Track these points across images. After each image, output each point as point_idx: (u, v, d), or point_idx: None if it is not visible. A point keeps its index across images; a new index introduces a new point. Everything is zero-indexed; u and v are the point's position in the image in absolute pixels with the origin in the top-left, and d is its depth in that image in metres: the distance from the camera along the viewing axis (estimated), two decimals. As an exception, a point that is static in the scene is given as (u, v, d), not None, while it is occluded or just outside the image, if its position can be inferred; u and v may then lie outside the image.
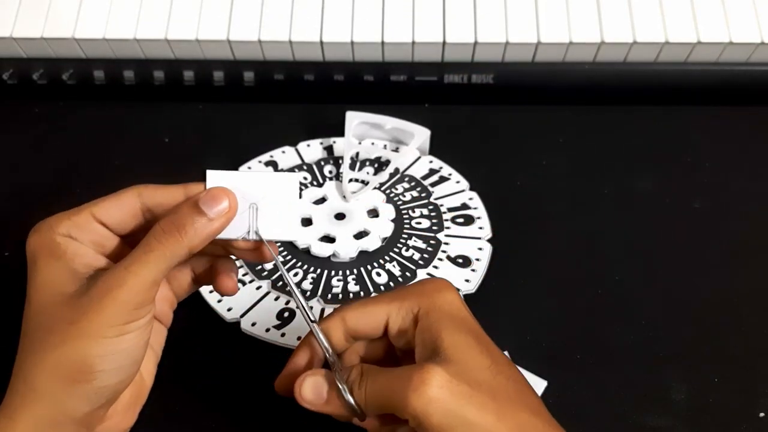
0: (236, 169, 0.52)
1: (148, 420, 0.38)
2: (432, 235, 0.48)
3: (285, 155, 0.53)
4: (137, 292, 0.31)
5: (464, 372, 0.31)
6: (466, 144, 0.55)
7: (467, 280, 0.45)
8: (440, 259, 0.46)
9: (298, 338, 0.42)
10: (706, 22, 0.55)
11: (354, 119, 0.53)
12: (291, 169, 0.52)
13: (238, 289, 0.37)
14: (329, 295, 0.44)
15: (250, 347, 0.43)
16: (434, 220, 0.49)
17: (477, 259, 0.46)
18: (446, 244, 0.47)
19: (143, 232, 0.34)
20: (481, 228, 0.48)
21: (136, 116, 0.58)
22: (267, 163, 0.53)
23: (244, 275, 0.46)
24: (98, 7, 0.56)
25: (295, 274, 0.45)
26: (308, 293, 0.44)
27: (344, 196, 0.49)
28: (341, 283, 0.45)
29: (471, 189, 0.51)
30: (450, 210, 0.50)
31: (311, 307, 0.44)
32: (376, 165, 0.53)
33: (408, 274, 0.46)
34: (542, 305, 0.45)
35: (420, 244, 0.47)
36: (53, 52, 0.57)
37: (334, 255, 0.46)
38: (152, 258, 0.31)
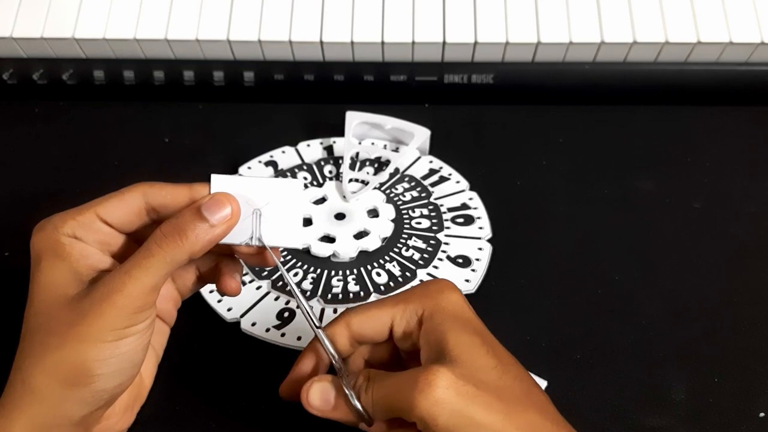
0: (236, 170, 0.52)
1: (147, 420, 0.38)
2: (432, 235, 0.48)
3: (285, 155, 0.53)
4: (137, 296, 0.31)
5: (470, 372, 0.31)
6: (467, 144, 0.55)
7: (467, 280, 0.45)
8: (440, 259, 0.46)
9: (298, 338, 0.42)
10: (706, 22, 0.55)
11: (354, 119, 0.53)
12: (291, 169, 0.52)
13: (241, 290, 0.37)
14: (329, 295, 0.44)
15: (250, 347, 0.43)
16: (434, 220, 0.49)
17: (477, 259, 0.46)
18: (446, 244, 0.47)
19: (148, 230, 0.34)
20: (481, 228, 0.48)
21: (136, 116, 0.58)
22: (267, 163, 0.53)
23: (244, 275, 0.46)
24: (98, 7, 0.56)
25: (295, 274, 0.45)
26: (308, 293, 0.44)
27: (344, 196, 0.49)
28: (341, 283, 0.45)
29: (471, 189, 0.51)
30: (450, 210, 0.50)
31: (312, 308, 0.44)
32: (376, 165, 0.53)
33: (408, 274, 0.46)
34: (542, 305, 0.45)
35: (420, 244, 0.47)
36: (53, 52, 0.57)
37: (334, 255, 0.46)
38: (153, 263, 0.31)
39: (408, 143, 0.53)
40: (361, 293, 0.45)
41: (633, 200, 0.51)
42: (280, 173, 0.52)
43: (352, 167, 0.52)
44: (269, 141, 0.54)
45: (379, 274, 0.46)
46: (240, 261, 0.37)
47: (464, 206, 0.50)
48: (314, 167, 0.52)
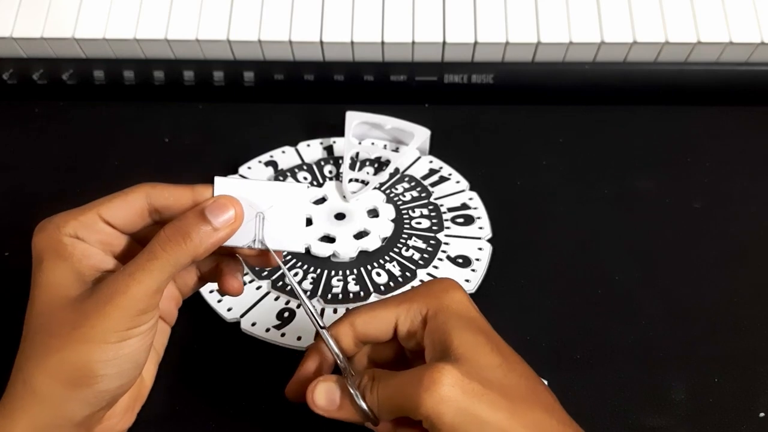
0: (236, 170, 0.52)
1: (147, 420, 0.38)
2: (432, 235, 0.48)
3: (285, 155, 0.53)
4: (140, 299, 0.31)
5: (475, 370, 0.31)
6: (466, 144, 0.55)
7: (467, 280, 0.45)
8: (440, 259, 0.46)
9: (298, 338, 0.42)
10: (706, 22, 0.55)
11: (354, 119, 0.53)
12: (291, 169, 0.52)
13: (244, 289, 0.37)
14: (329, 295, 0.44)
15: (250, 347, 0.43)
16: (434, 220, 0.49)
17: (477, 259, 0.46)
18: (446, 244, 0.47)
19: (150, 231, 0.34)
20: (481, 228, 0.48)
21: (136, 116, 0.58)
22: (267, 163, 0.53)
23: (244, 275, 0.46)
24: (98, 7, 0.56)
25: (295, 274, 0.45)
26: (308, 293, 0.44)
27: (344, 196, 0.49)
28: (341, 283, 0.45)
29: (471, 189, 0.51)
30: (450, 210, 0.50)
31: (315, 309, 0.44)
32: (376, 165, 0.53)
33: (408, 274, 0.46)
34: (542, 305, 0.45)
35: (420, 244, 0.47)
36: (53, 52, 0.57)
37: (334, 255, 0.46)
38: (156, 266, 0.31)
39: (408, 143, 0.53)
40: (361, 293, 0.45)
41: (633, 200, 0.51)
42: (280, 173, 0.52)
43: (352, 167, 0.52)
44: (269, 141, 0.54)
45: (379, 274, 0.46)
46: (241, 261, 0.37)
47: (464, 206, 0.50)
48: (314, 167, 0.52)
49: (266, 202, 0.35)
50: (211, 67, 0.57)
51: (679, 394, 0.41)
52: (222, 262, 0.37)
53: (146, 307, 0.31)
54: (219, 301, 0.44)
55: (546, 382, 0.40)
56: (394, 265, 0.46)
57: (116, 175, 0.53)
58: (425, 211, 0.49)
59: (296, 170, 0.52)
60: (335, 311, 0.44)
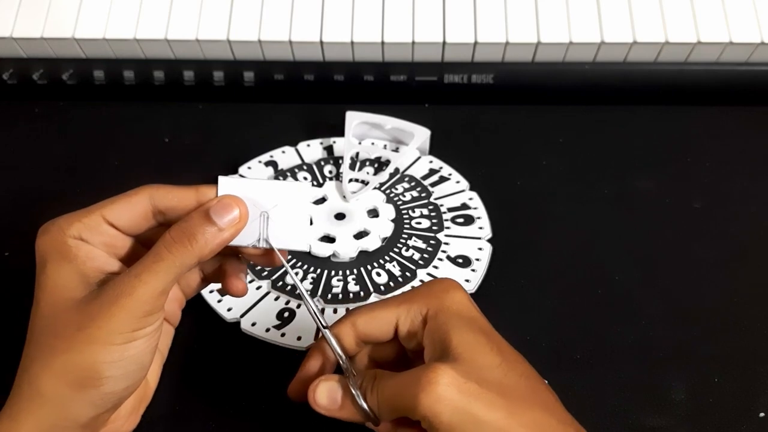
0: (236, 170, 0.52)
1: (147, 420, 0.38)
2: (432, 235, 0.48)
3: (285, 155, 0.53)
4: (146, 300, 0.31)
5: (473, 370, 0.31)
6: (466, 144, 0.55)
7: (467, 280, 0.45)
8: (440, 259, 0.46)
9: (298, 338, 0.42)
10: (706, 22, 0.55)
11: (354, 119, 0.53)
12: (291, 169, 0.52)
13: (248, 290, 0.38)
14: (329, 295, 0.44)
15: (250, 347, 0.43)
16: (434, 220, 0.49)
17: (477, 259, 0.46)
18: (446, 244, 0.47)
19: (154, 232, 0.34)
20: (481, 228, 0.48)
21: (136, 116, 0.58)
22: (267, 163, 0.53)
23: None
24: (98, 7, 0.56)
25: (295, 274, 0.45)
26: (308, 293, 0.44)
27: (344, 196, 0.49)
28: (341, 283, 0.45)
29: (471, 189, 0.51)
30: (450, 210, 0.50)
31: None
32: (376, 165, 0.53)
33: (408, 274, 0.46)
34: (542, 305, 0.45)
35: (420, 244, 0.47)
36: (53, 52, 0.57)
37: (334, 255, 0.46)
38: (162, 267, 0.31)
39: (408, 143, 0.53)
40: (361, 293, 0.45)
41: (633, 200, 0.51)
42: (280, 173, 0.52)
43: (352, 167, 0.52)
44: (269, 141, 0.54)
45: (379, 274, 0.46)
46: (244, 261, 0.37)
47: (464, 206, 0.50)
48: (314, 167, 0.52)
49: (270, 202, 0.35)
50: (211, 67, 0.57)
51: (679, 394, 0.41)
52: (225, 263, 0.37)
53: (152, 309, 0.32)
54: (219, 301, 0.44)
55: (546, 382, 0.40)
56: (394, 265, 0.46)
57: (116, 175, 0.53)
58: (425, 211, 0.49)
59: (296, 170, 0.52)
60: (335, 311, 0.44)
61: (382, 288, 0.45)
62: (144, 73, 0.57)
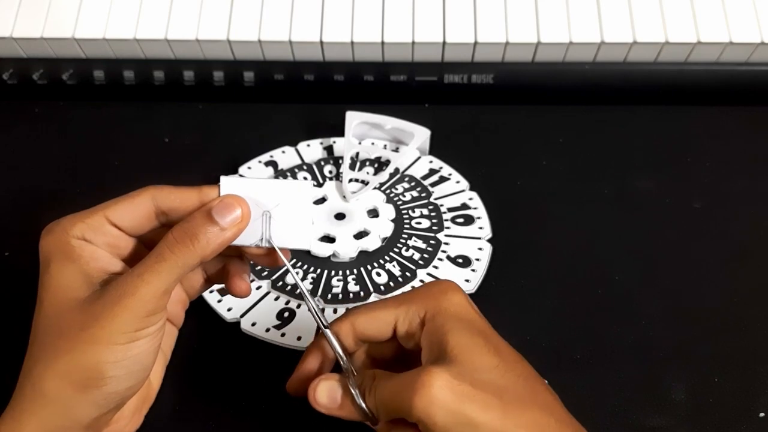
0: (236, 170, 0.52)
1: (147, 420, 0.38)
2: (432, 235, 0.48)
3: (285, 155, 0.53)
4: (149, 300, 0.31)
5: (468, 372, 0.31)
6: (466, 144, 0.55)
7: (467, 280, 0.45)
8: (440, 259, 0.46)
9: (298, 338, 0.42)
10: (706, 22, 0.55)
11: (354, 119, 0.53)
12: (291, 169, 0.52)
13: (251, 291, 0.38)
14: (329, 295, 0.44)
15: (250, 347, 0.43)
16: (434, 220, 0.49)
17: (477, 259, 0.46)
18: (446, 244, 0.47)
19: (156, 233, 0.34)
20: (481, 228, 0.48)
21: (136, 116, 0.58)
22: (267, 163, 0.53)
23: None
24: (98, 7, 0.56)
25: (296, 274, 0.45)
26: (309, 293, 0.44)
27: (344, 196, 0.49)
28: (341, 283, 0.45)
29: (471, 189, 0.51)
30: (450, 210, 0.50)
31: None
32: (376, 165, 0.53)
33: (408, 274, 0.46)
34: (542, 305, 0.45)
35: (420, 244, 0.47)
36: (53, 52, 0.57)
37: (334, 255, 0.46)
38: (164, 267, 0.32)
39: (408, 143, 0.53)
40: (361, 293, 0.45)
41: (633, 200, 0.51)
42: (280, 173, 0.52)
43: (352, 167, 0.52)
44: (269, 141, 0.54)
45: (379, 274, 0.46)
46: (247, 262, 0.37)
47: (464, 206, 0.50)
48: (314, 167, 0.52)
49: (272, 201, 0.35)
50: (211, 67, 0.57)
51: (679, 394, 0.41)
52: (229, 264, 0.37)
53: (155, 309, 0.32)
54: (219, 301, 0.44)
55: (546, 382, 0.40)
56: (394, 265, 0.46)
57: (116, 175, 0.53)
58: (425, 211, 0.49)
59: (296, 170, 0.52)
60: (335, 311, 0.44)
61: (382, 288, 0.45)
62: (144, 73, 0.57)
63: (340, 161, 0.52)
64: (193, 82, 0.57)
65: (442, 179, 0.52)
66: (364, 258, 0.47)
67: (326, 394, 0.33)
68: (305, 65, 0.57)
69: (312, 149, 0.54)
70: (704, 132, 0.56)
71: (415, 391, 0.30)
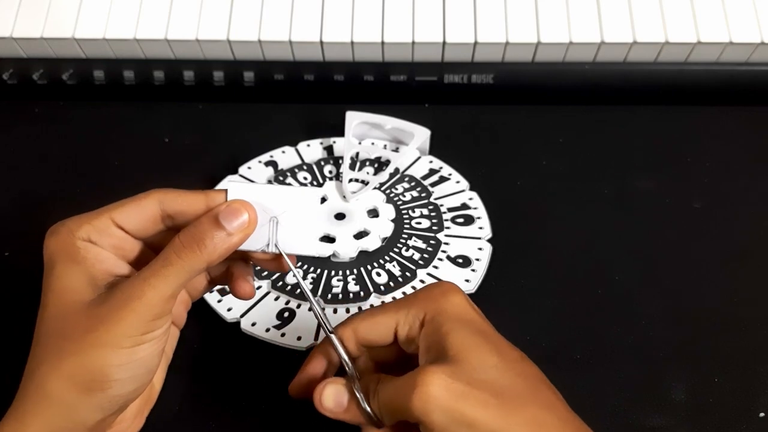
0: (236, 170, 0.52)
1: (147, 420, 0.38)
2: (432, 235, 0.48)
3: (285, 155, 0.53)
4: (155, 304, 0.31)
5: (466, 371, 0.31)
6: (466, 144, 0.55)
7: (467, 280, 0.45)
8: (440, 259, 0.46)
9: (298, 338, 0.42)
10: (706, 22, 0.55)
11: (354, 119, 0.53)
12: (291, 169, 0.52)
13: (255, 292, 0.38)
14: (329, 295, 0.44)
15: (250, 347, 0.43)
16: (434, 220, 0.49)
17: (477, 259, 0.46)
18: (446, 244, 0.47)
19: (161, 236, 0.34)
20: (481, 228, 0.48)
21: (136, 116, 0.58)
22: (267, 163, 0.53)
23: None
24: (98, 7, 0.56)
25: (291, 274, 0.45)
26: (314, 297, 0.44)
27: (344, 196, 0.49)
28: (341, 283, 0.45)
29: (471, 189, 0.51)
30: (450, 210, 0.50)
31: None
32: (376, 165, 0.53)
33: (408, 274, 0.46)
34: (542, 305, 0.45)
35: (420, 244, 0.47)
36: (53, 52, 0.57)
37: (334, 255, 0.46)
38: (171, 272, 0.32)
39: (408, 143, 0.53)
40: (361, 293, 0.45)
41: (633, 200, 0.51)
42: (280, 173, 0.52)
43: (352, 167, 0.52)
44: (269, 141, 0.54)
45: (379, 274, 0.46)
46: (250, 264, 0.37)
47: (464, 206, 0.50)
48: (314, 167, 0.52)
49: (279, 207, 0.35)
50: (211, 67, 0.57)
51: (679, 393, 0.41)
52: (232, 266, 0.37)
53: (161, 312, 0.32)
54: (219, 301, 0.44)
55: (547, 381, 0.40)
56: (394, 265, 0.46)
57: (116, 175, 0.53)
58: (425, 211, 0.49)
59: (296, 170, 0.52)
60: (335, 311, 0.44)
61: (382, 288, 0.45)
62: (144, 73, 0.57)
63: (340, 161, 0.52)
64: (193, 82, 0.57)
65: (442, 179, 0.52)
66: (364, 258, 0.47)
67: (332, 398, 0.33)
68: (305, 65, 0.57)
69: (312, 149, 0.54)
70: (704, 132, 0.56)
71: (412, 391, 0.30)
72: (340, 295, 0.44)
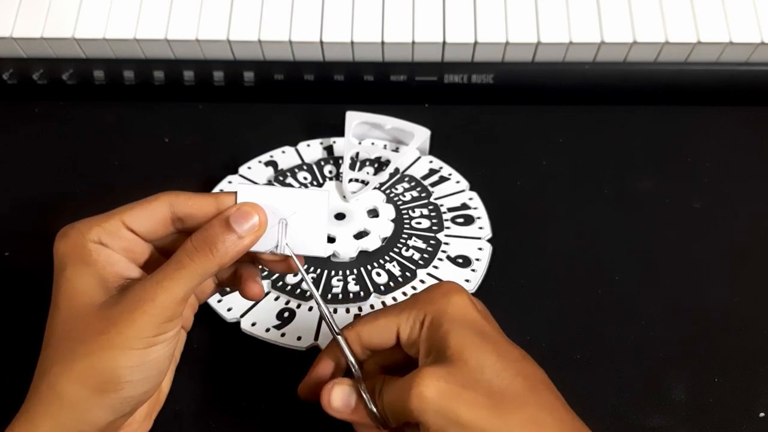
0: (236, 170, 0.52)
1: (148, 420, 0.38)
2: (432, 235, 0.48)
3: (285, 155, 0.53)
4: (167, 306, 0.31)
5: (461, 372, 0.31)
6: (466, 144, 0.55)
7: (467, 280, 0.45)
8: (440, 259, 0.46)
9: (298, 338, 0.42)
10: (706, 22, 0.55)
11: (354, 119, 0.53)
12: (291, 169, 0.52)
13: (264, 293, 0.38)
14: (329, 295, 0.44)
15: (250, 347, 0.43)
16: (434, 220, 0.49)
17: (477, 259, 0.46)
18: (446, 244, 0.47)
19: (171, 239, 0.34)
20: (481, 228, 0.48)
21: (136, 116, 0.58)
22: (267, 163, 0.53)
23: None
24: (98, 7, 0.56)
25: (295, 275, 0.45)
26: (308, 294, 0.44)
27: (344, 196, 0.49)
28: (341, 283, 0.45)
29: (471, 189, 0.51)
30: (450, 210, 0.50)
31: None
32: (376, 165, 0.53)
33: (408, 274, 0.46)
34: (542, 305, 0.45)
35: (420, 244, 0.47)
36: (53, 52, 0.57)
37: (334, 255, 0.46)
38: (184, 275, 0.32)
39: (408, 143, 0.53)
40: (361, 293, 0.45)
41: (633, 200, 0.51)
42: (280, 173, 0.52)
43: (352, 167, 0.52)
44: (269, 141, 0.54)
45: (379, 274, 0.46)
46: (257, 264, 0.37)
47: (464, 206, 0.50)
48: (314, 167, 0.52)
49: (289, 209, 0.35)
50: (211, 67, 0.57)
51: (679, 394, 0.41)
52: (240, 268, 0.37)
53: (172, 315, 0.32)
54: (219, 301, 0.44)
55: (548, 381, 0.40)
56: (394, 265, 0.46)
57: (116, 175, 0.53)
58: (425, 211, 0.49)
59: (296, 170, 0.52)
60: (335, 311, 0.44)
61: (382, 288, 0.45)
62: (144, 73, 0.57)
63: (340, 161, 0.52)
64: (193, 82, 0.57)
65: (442, 179, 0.52)
66: (364, 258, 0.47)
67: (340, 399, 0.34)
68: (305, 65, 0.57)
69: (312, 149, 0.54)
70: (704, 132, 0.56)
71: (409, 392, 0.30)
72: (340, 295, 0.44)
